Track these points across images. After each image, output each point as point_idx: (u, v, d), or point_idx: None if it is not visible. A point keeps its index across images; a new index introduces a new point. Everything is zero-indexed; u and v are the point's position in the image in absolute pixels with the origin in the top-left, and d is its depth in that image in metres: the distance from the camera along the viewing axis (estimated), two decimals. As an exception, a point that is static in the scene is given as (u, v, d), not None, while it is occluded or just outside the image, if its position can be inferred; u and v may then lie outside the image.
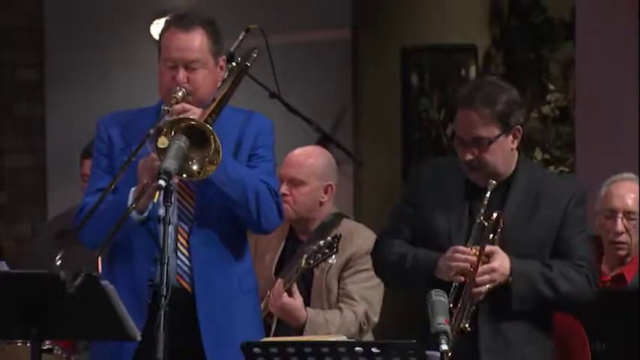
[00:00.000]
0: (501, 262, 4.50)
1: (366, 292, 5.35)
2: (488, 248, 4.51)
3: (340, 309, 5.31)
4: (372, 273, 5.35)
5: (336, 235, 5.17)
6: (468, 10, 9.17)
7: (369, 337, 5.40)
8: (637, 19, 7.12)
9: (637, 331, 4.84)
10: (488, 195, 4.53)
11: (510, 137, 4.58)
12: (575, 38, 7.64)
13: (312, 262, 5.13)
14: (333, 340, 4.21)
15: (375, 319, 5.36)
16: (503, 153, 4.57)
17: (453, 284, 4.49)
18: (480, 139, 4.53)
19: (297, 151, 5.54)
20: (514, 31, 9.36)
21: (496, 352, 4.55)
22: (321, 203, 5.45)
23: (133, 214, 4.44)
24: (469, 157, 4.55)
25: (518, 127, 4.59)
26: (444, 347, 3.97)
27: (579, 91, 7.47)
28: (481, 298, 4.50)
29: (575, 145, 7.32)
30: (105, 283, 4.23)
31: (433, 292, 4.17)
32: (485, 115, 4.52)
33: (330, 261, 5.16)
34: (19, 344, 5.67)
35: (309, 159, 5.49)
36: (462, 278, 4.48)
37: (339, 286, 5.36)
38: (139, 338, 4.31)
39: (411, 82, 8.75)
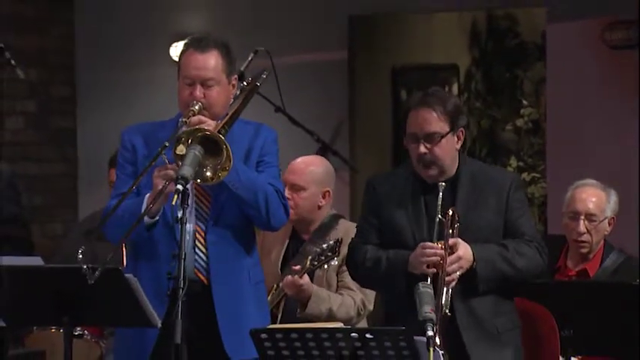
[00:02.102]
0: (465, 250, 4.55)
1: (362, 284, 5.35)
2: (451, 240, 4.56)
3: (341, 294, 5.31)
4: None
5: (338, 239, 5.16)
6: (451, 34, 9.16)
7: (363, 323, 5.39)
8: (600, 43, 7.13)
9: (599, 317, 4.83)
10: (441, 195, 4.57)
11: (456, 137, 4.64)
12: (545, 60, 7.64)
13: (316, 263, 5.14)
14: (331, 327, 4.21)
15: (370, 307, 5.36)
16: (450, 150, 4.63)
17: (428, 277, 4.50)
18: (434, 134, 4.59)
19: (299, 159, 5.53)
20: (492, 53, 9.35)
21: (473, 328, 4.60)
22: (319, 207, 5.45)
23: (145, 217, 4.44)
24: (423, 150, 4.60)
25: (462, 129, 4.66)
26: (430, 333, 3.97)
27: (549, 107, 7.48)
28: (453, 285, 4.54)
29: (546, 154, 7.32)
30: (129, 275, 4.23)
31: (420, 284, 4.18)
32: (439, 111, 4.59)
33: (332, 263, 5.16)
34: (52, 330, 5.68)
35: (310, 167, 5.49)
36: (434, 270, 4.52)
37: (338, 279, 5.35)
38: (159, 325, 4.31)
39: (400, 97, 8.74)
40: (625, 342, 4.98)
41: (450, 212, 4.56)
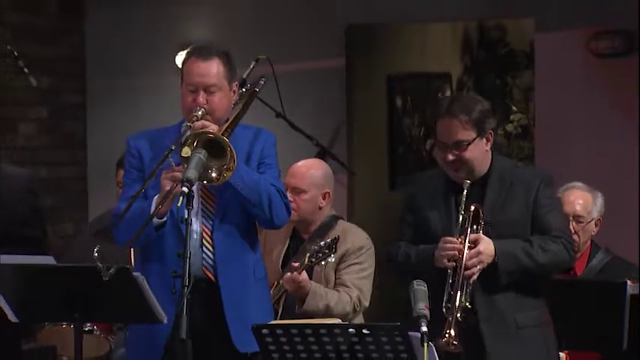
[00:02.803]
0: (486, 245, 4.53)
1: (358, 281, 5.34)
2: (473, 236, 4.55)
3: (338, 291, 5.31)
4: (364, 266, 5.37)
5: (335, 237, 5.16)
6: (444, 43, 9.17)
7: (359, 319, 5.38)
8: (586, 52, 7.13)
9: (585, 314, 4.84)
10: (465, 192, 4.57)
11: (484, 140, 4.62)
12: (534, 68, 7.64)
13: (314, 260, 5.13)
14: (329, 323, 4.20)
15: (366, 303, 5.35)
16: (479, 153, 4.62)
17: (449, 269, 4.52)
18: (460, 142, 4.58)
19: (300, 163, 5.53)
20: (483, 62, 9.35)
21: (492, 320, 4.57)
22: (319, 208, 5.45)
23: (154, 218, 4.43)
24: (451, 157, 4.59)
25: (491, 131, 4.64)
26: (424, 329, 3.96)
27: (538, 112, 7.47)
28: (475, 278, 4.53)
29: (535, 157, 7.32)
30: (136, 274, 4.22)
31: (415, 282, 4.17)
32: (464, 121, 4.57)
33: (329, 260, 5.16)
34: (64, 326, 5.68)
35: (310, 170, 5.48)
36: (454, 264, 4.51)
37: (335, 277, 5.35)
38: (165, 321, 4.30)
39: (395, 104, 8.74)
40: (610, 337, 4.98)
41: (473, 208, 4.55)
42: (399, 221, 4.82)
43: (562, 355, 5.18)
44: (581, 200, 5.53)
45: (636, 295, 4.95)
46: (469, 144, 4.58)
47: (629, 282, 4.92)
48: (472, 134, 4.58)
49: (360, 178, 7.94)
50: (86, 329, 5.51)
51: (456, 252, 4.52)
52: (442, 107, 4.65)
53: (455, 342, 4.44)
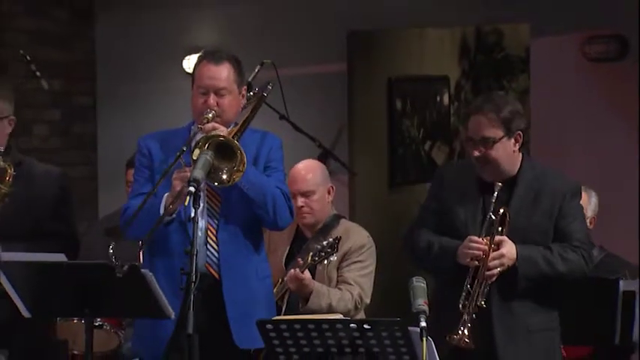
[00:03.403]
0: (509, 248, 4.48)
1: (360, 279, 5.33)
2: (497, 238, 4.50)
3: (340, 289, 5.30)
4: (365, 264, 5.36)
5: (337, 237, 5.15)
6: (442, 47, 9.16)
7: (361, 315, 5.37)
8: (580, 56, 7.13)
9: (580, 309, 4.83)
10: (496, 194, 4.50)
11: (512, 141, 4.55)
12: (529, 72, 7.64)
13: (317, 259, 5.13)
14: (331, 319, 4.19)
15: (367, 300, 5.35)
16: (506, 153, 4.54)
17: (470, 268, 4.48)
18: (487, 139, 4.51)
19: (300, 166, 5.50)
20: (480, 65, 9.36)
21: (506, 322, 4.53)
22: (328, 202, 5.44)
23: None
24: (477, 153, 4.53)
25: (520, 132, 4.57)
26: (423, 324, 3.96)
27: (533, 115, 7.46)
28: (494, 279, 4.49)
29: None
30: (145, 271, 4.22)
31: (414, 279, 4.16)
32: (492, 119, 4.51)
33: (331, 259, 5.14)
34: (75, 321, 5.66)
35: (310, 172, 5.48)
36: (476, 263, 4.47)
37: (337, 275, 5.34)
38: (172, 316, 4.30)
39: (395, 106, 8.73)
40: (603, 332, 4.97)
41: (502, 211, 4.49)
42: (422, 208, 4.73)
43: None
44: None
45: (629, 292, 4.95)
46: (495, 142, 4.50)
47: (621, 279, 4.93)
48: (500, 132, 4.50)
49: (361, 178, 7.94)
50: (96, 324, 5.50)
51: (481, 252, 4.46)
52: (474, 104, 4.61)
53: (467, 340, 4.40)
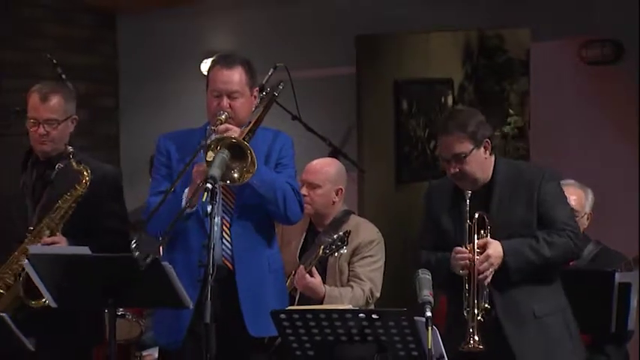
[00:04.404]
0: (494, 248, 4.45)
1: (370, 274, 5.31)
2: (481, 241, 4.46)
3: (351, 286, 5.28)
4: (375, 258, 5.35)
5: (347, 231, 5.14)
6: (446, 51, 9.15)
7: (371, 307, 5.36)
8: (578, 60, 7.11)
9: (578, 299, 4.81)
10: (468, 202, 4.48)
11: (482, 149, 4.54)
12: (529, 74, 7.62)
13: (327, 251, 5.11)
14: (342, 309, 4.19)
15: (377, 294, 5.33)
16: (478, 163, 4.53)
17: (464, 277, 4.46)
18: (458, 155, 4.50)
19: (316, 161, 5.52)
20: (482, 68, 9.34)
21: (510, 311, 4.49)
22: (333, 203, 5.42)
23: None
24: (452, 171, 4.52)
25: (487, 140, 4.55)
26: (429, 314, 3.95)
27: (533, 115, 7.45)
28: (488, 280, 4.46)
29: (530, 157, 7.30)
30: (165, 263, 4.22)
31: (419, 271, 4.15)
32: (459, 136, 4.49)
33: (342, 251, 5.13)
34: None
35: (324, 168, 5.47)
36: (467, 271, 4.45)
37: (349, 269, 5.33)
38: (191, 306, 4.30)
39: (401, 107, 8.72)
40: (599, 321, 4.97)
41: (477, 216, 4.47)
42: (420, 228, 4.74)
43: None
44: (574, 196, 5.50)
45: (623, 283, 4.94)
46: (467, 156, 4.49)
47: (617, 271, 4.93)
48: (469, 146, 4.49)
49: (369, 176, 7.93)
50: (119, 314, 5.51)
51: (467, 260, 4.44)
52: (439, 125, 4.60)
53: (480, 345, 4.37)
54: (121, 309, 5.53)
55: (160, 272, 4.19)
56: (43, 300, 4.58)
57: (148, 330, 5.74)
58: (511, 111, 9.20)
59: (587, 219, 5.54)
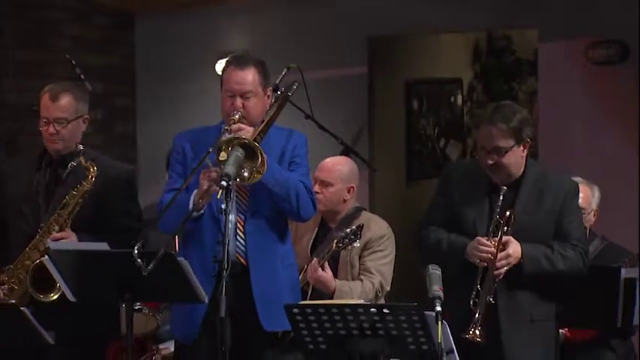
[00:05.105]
0: (515, 248, 4.46)
1: (381, 268, 5.32)
2: (504, 238, 4.46)
3: (361, 280, 5.28)
4: (385, 253, 5.34)
5: (360, 225, 5.14)
6: (456, 52, 9.14)
7: (381, 301, 5.36)
8: (584, 60, 7.10)
9: (583, 294, 4.81)
10: (501, 198, 4.47)
11: (522, 147, 4.53)
12: (537, 74, 7.61)
13: (340, 245, 5.12)
14: (354, 303, 4.19)
15: (387, 287, 5.33)
16: (516, 159, 4.52)
17: (478, 268, 4.45)
18: (499, 148, 4.48)
19: (329, 159, 5.52)
20: (491, 68, 9.32)
21: (511, 314, 4.50)
22: (344, 200, 5.42)
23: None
24: (490, 162, 4.50)
25: (528, 139, 4.54)
26: (439, 309, 3.95)
27: (541, 114, 7.44)
28: (501, 277, 4.46)
29: (538, 155, 7.29)
30: (180, 259, 4.23)
31: (430, 266, 4.15)
32: (503, 129, 4.47)
33: (354, 245, 5.14)
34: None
35: (337, 166, 5.47)
36: (485, 264, 4.45)
37: (359, 263, 5.33)
38: (206, 301, 4.31)
39: (412, 106, 8.71)
40: (606, 316, 4.95)
41: (507, 213, 4.46)
42: (431, 204, 4.69)
43: (562, 331, 5.16)
44: (581, 193, 5.47)
45: (629, 279, 4.93)
46: (507, 151, 4.47)
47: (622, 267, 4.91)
48: (511, 142, 4.47)
49: (380, 173, 7.93)
50: (136, 308, 5.52)
51: (490, 255, 4.43)
52: (484, 115, 4.54)
53: (479, 338, 4.37)
54: (137, 303, 5.53)
55: (175, 268, 4.20)
56: (52, 294, 4.61)
57: (164, 324, 5.75)
58: (527, 121, 9.16)
59: (594, 215, 5.53)
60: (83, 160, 4.76)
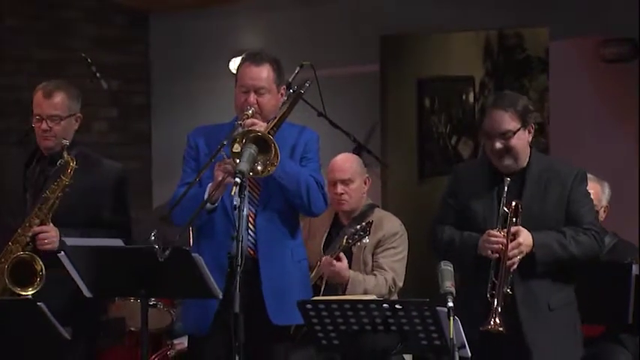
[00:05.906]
0: (525, 237, 4.43)
1: (394, 264, 5.32)
2: (513, 228, 4.44)
3: (375, 275, 5.29)
4: (398, 250, 5.35)
5: (369, 221, 5.14)
6: (468, 50, 9.11)
7: (394, 297, 5.36)
8: (595, 58, 7.07)
9: (594, 290, 4.79)
10: (506, 188, 4.46)
11: (527, 132, 4.53)
12: (548, 72, 7.58)
13: (350, 241, 5.12)
14: (366, 299, 4.18)
15: (400, 284, 5.33)
16: (522, 144, 4.51)
17: (491, 260, 4.43)
18: (507, 132, 4.48)
19: (338, 158, 5.51)
20: (502, 66, 9.29)
21: (528, 303, 4.47)
22: (364, 193, 5.43)
23: (207, 204, 4.44)
24: (498, 145, 4.48)
25: (532, 124, 4.55)
26: (450, 304, 3.94)
27: (552, 112, 7.42)
28: (515, 267, 4.44)
29: (549, 152, 7.27)
30: (195, 254, 4.22)
31: (442, 263, 4.14)
32: (510, 112, 4.48)
33: (364, 241, 5.13)
34: (132, 301, 5.69)
35: (348, 162, 5.49)
36: (497, 255, 4.43)
37: (372, 260, 5.33)
38: (220, 296, 4.30)
39: (424, 104, 8.69)
40: (616, 312, 4.93)
41: (514, 204, 4.45)
42: (442, 203, 4.69)
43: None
44: (592, 190, 5.42)
45: (640, 275, 4.90)
46: (514, 133, 4.47)
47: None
48: (517, 125, 4.47)
49: (393, 171, 7.92)
50: (151, 303, 5.52)
51: (500, 245, 4.41)
52: (489, 101, 4.57)
53: (500, 328, 4.35)
54: (152, 299, 5.54)
55: (189, 263, 4.20)
56: (30, 289, 4.62)
57: (178, 319, 5.75)
58: (530, 107, 9.14)
59: (604, 212, 5.51)
60: (66, 155, 4.76)
